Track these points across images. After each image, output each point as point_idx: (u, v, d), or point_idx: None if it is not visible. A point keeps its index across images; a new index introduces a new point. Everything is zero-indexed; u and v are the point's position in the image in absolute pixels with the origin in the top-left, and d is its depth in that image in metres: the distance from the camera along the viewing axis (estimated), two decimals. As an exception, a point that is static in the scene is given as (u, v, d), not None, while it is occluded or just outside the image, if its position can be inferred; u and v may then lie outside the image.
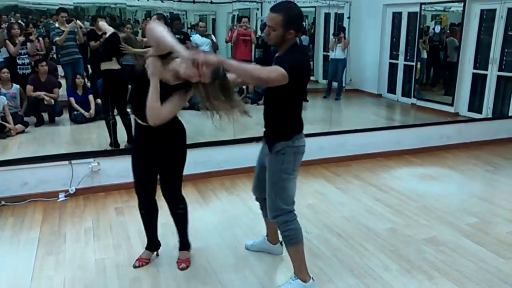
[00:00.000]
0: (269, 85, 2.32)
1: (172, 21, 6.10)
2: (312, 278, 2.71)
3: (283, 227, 2.59)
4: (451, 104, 7.07)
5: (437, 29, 7.57)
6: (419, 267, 3.02)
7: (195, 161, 4.48)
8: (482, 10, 6.67)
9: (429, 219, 3.78)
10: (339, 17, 8.49)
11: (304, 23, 9.06)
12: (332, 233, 3.49)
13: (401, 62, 8.09)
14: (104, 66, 4.65)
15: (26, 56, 5.75)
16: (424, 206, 4.05)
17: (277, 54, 2.50)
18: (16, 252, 3.17)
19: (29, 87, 5.55)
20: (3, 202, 3.92)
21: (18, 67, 5.71)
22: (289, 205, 2.58)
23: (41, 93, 5.56)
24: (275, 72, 2.24)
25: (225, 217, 3.75)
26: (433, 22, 7.60)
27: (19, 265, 2.99)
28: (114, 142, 4.70)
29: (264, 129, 2.64)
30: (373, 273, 2.93)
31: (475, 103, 6.86)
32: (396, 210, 3.95)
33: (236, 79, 2.46)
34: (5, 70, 5.37)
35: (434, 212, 3.91)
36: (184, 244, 3.03)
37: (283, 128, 2.52)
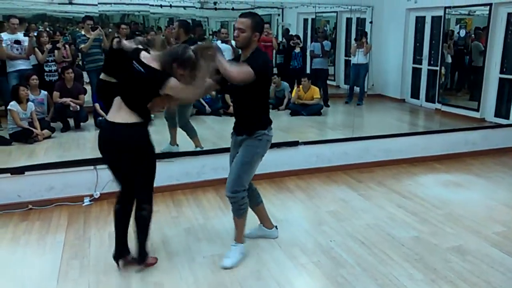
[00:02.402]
0: (238, 82, 2.73)
1: (195, 28, 6.16)
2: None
3: (240, 201, 2.98)
4: (477, 110, 6.92)
5: (462, 33, 7.43)
6: (445, 276, 2.95)
7: (217, 167, 4.49)
8: (509, 14, 6.52)
9: (455, 227, 3.70)
10: (361, 22, 8.44)
11: (325, 28, 9.05)
12: (355, 241, 3.45)
13: (424, 66, 7.97)
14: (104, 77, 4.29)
15: (53, 63, 5.91)
16: (449, 214, 3.96)
17: (241, 59, 2.88)
18: (43, 255, 3.24)
19: (56, 94, 5.69)
20: (30, 206, 4.01)
21: (45, 74, 5.87)
22: (247, 184, 3.00)
23: (67, 100, 5.69)
24: (243, 74, 2.69)
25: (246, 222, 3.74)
26: (458, 26, 7.47)
27: (45, 268, 3.05)
28: None
29: (235, 124, 3.05)
30: (398, 283, 2.88)
31: (502, 108, 6.69)
32: (421, 218, 3.88)
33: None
34: (34, 76, 5.51)
35: (460, 220, 3.82)
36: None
37: (260, 119, 2.96)
